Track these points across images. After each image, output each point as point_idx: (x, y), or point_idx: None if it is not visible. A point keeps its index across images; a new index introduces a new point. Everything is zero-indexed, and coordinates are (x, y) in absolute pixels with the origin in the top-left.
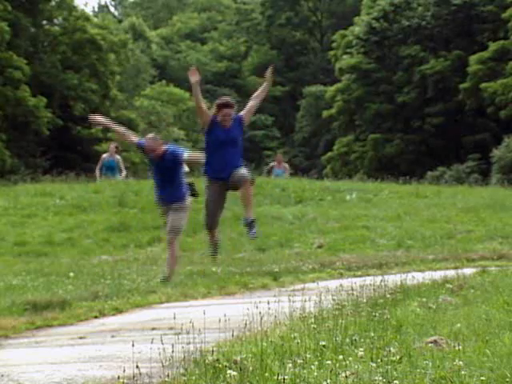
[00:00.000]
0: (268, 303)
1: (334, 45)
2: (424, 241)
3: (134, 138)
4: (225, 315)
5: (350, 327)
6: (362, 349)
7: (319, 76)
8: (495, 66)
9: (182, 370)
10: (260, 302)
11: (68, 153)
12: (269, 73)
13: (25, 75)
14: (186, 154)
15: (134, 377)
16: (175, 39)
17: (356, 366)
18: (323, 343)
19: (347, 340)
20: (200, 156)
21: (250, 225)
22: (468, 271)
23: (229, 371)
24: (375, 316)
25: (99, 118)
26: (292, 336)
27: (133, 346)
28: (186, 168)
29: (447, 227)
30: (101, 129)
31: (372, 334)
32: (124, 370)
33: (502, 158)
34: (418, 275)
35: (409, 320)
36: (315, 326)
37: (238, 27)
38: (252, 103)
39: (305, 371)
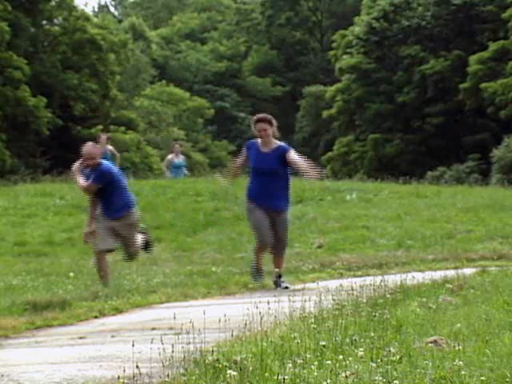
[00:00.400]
0: (268, 303)
1: (334, 45)
2: (424, 241)
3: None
4: (225, 315)
5: (350, 327)
6: (361, 349)
7: (319, 76)
8: (495, 65)
9: (182, 370)
10: (260, 301)
11: (68, 153)
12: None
13: (25, 75)
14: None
15: (134, 377)
16: (175, 39)
17: (356, 366)
18: (323, 343)
19: (347, 340)
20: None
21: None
22: (468, 271)
23: (229, 371)
24: (375, 316)
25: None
26: (292, 336)
27: (133, 346)
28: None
29: (447, 227)
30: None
31: (372, 334)
32: (124, 370)
33: (502, 158)
34: (418, 275)
35: (409, 320)
36: (315, 326)
37: (238, 27)
38: (294, 163)
39: (305, 371)
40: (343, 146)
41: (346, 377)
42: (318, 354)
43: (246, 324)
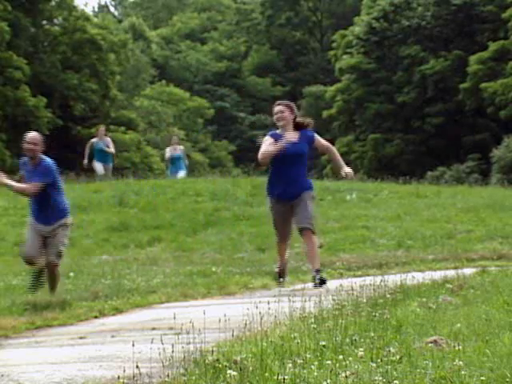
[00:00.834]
0: (268, 303)
1: (334, 45)
2: (424, 241)
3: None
4: (225, 315)
5: (350, 327)
6: (361, 349)
7: (319, 76)
8: (495, 65)
9: (182, 370)
10: (260, 301)
11: (68, 153)
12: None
13: (25, 75)
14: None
15: (134, 377)
16: (175, 39)
17: (356, 366)
18: (323, 343)
19: (347, 340)
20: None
21: (316, 276)
22: (468, 271)
23: (229, 371)
24: (375, 316)
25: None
26: (292, 336)
27: (133, 346)
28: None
29: (447, 227)
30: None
31: (372, 334)
32: (124, 370)
33: (501, 158)
34: (418, 275)
35: (409, 320)
36: (315, 326)
37: (238, 27)
38: (326, 148)
39: (305, 371)
40: (343, 146)
41: (346, 377)
42: (318, 354)
43: (245, 324)
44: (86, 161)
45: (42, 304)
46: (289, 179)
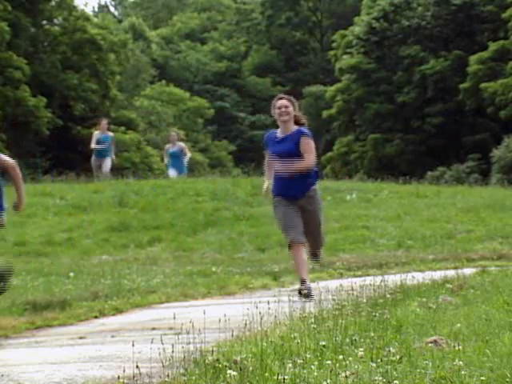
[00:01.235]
0: (268, 303)
1: (334, 45)
2: (424, 241)
3: None
4: (225, 315)
5: (350, 327)
6: (361, 349)
7: (319, 76)
8: (495, 66)
9: (182, 370)
10: (260, 301)
11: (68, 153)
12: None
13: (25, 75)
14: None
15: (134, 377)
16: (175, 39)
17: (356, 366)
18: (323, 343)
19: (347, 340)
20: None
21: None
22: (468, 271)
23: (229, 371)
24: (375, 316)
25: None
26: (292, 336)
27: (133, 346)
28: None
29: (447, 227)
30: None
31: (372, 334)
32: (124, 370)
33: (501, 158)
34: (418, 275)
35: (409, 320)
36: (315, 326)
37: (238, 27)
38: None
39: (305, 371)
40: (343, 146)
41: (346, 377)
42: (318, 354)
43: (246, 324)
44: (93, 145)
45: (41, 304)
46: (287, 178)
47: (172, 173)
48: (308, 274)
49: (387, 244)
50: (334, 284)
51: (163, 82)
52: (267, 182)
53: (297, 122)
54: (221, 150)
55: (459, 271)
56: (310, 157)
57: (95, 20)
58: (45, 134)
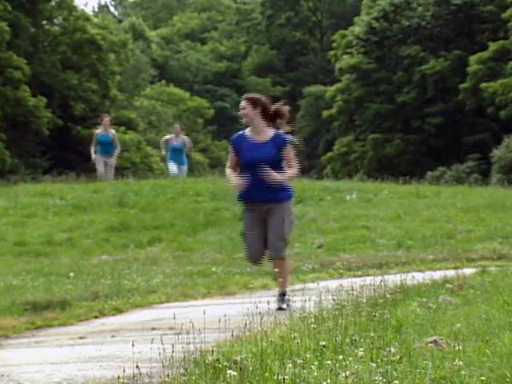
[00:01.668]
0: (268, 303)
1: (334, 45)
2: (424, 241)
3: None
4: (225, 315)
5: (350, 327)
6: (361, 349)
7: (319, 76)
8: (495, 66)
9: (182, 370)
10: (260, 301)
11: (68, 153)
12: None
13: (25, 75)
14: None
15: (134, 377)
16: (175, 39)
17: (356, 366)
18: (323, 343)
19: (347, 340)
20: None
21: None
22: (468, 271)
23: (229, 371)
24: (375, 316)
25: None
26: (292, 336)
27: (133, 346)
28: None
29: (447, 227)
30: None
31: (372, 334)
32: (124, 370)
33: (502, 158)
34: (418, 275)
35: (409, 320)
36: (315, 326)
37: (238, 27)
38: (287, 165)
39: (305, 371)
40: (343, 146)
41: (346, 377)
42: (318, 354)
43: (245, 324)
44: (93, 155)
45: (42, 304)
46: (259, 187)
47: (172, 167)
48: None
49: (387, 244)
50: (333, 284)
51: (163, 82)
52: (235, 176)
53: (275, 116)
54: (221, 150)
55: (459, 271)
56: (295, 165)
57: (95, 20)
58: (45, 134)
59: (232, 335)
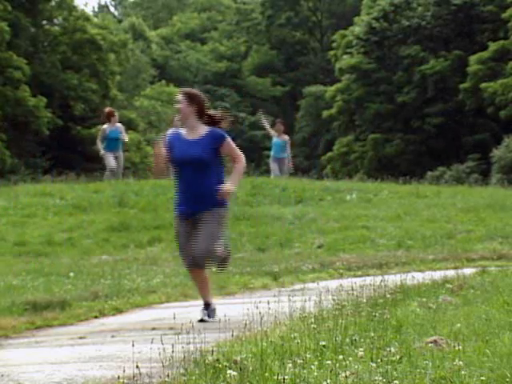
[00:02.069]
0: (268, 303)
1: (334, 45)
2: (424, 241)
3: None
4: (225, 315)
5: (350, 327)
6: (361, 349)
7: (319, 76)
8: (495, 66)
9: (182, 370)
10: (260, 301)
11: (68, 153)
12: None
13: (25, 75)
14: None
15: (134, 377)
16: (175, 39)
17: (356, 366)
18: (323, 343)
19: (347, 340)
20: None
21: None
22: (468, 271)
23: (229, 371)
24: (375, 316)
25: None
26: (292, 336)
27: (133, 346)
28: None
29: (447, 227)
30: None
31: (372, 334)
32: (124, 370)
33: (502, 158)
34: (418, 275)
35: (409, 320)
36: (315, 326)
37: (238, 27)
38: (233, 159)
39: (305, 371)
40: (343, 146)
41: (346, 377)
42: (318, 354)
43: (245, 324)
44: (102, 151)
45: (42, 304)
46: (190, 191)
47: None
48: (210, 295)
49: (387, 244)
50: (334, 284)
51: (163, 82)
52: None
53: (212, 120)
54: None
55: (459, 271)
56: (240, 156)
57: (95, 20)
58: (45, 134)
59: (232, 335)
